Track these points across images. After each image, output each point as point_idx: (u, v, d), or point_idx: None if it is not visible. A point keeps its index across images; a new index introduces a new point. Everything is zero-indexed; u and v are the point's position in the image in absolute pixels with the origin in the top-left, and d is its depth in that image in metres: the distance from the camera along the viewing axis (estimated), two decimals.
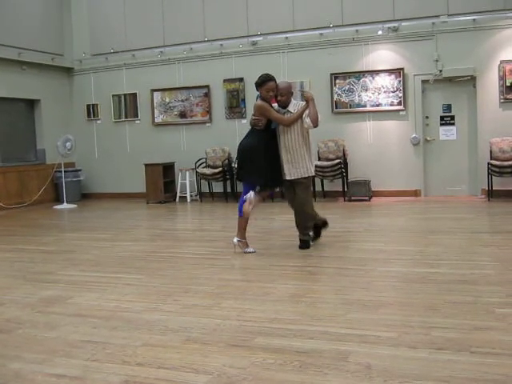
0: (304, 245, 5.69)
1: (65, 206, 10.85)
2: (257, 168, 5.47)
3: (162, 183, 10.86)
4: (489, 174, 9.07)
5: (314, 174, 5.66)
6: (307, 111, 5.46)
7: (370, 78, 10.05)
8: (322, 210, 9.15)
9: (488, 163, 9.11)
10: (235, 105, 10.97)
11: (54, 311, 3.94)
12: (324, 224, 5.86)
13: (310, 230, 5.74)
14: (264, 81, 5.55)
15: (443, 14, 9.52)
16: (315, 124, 5.44)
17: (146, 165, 10.97)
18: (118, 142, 11.98)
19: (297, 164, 5.52)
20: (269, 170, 5.51)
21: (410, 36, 9.80)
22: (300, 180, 5.54)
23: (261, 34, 10.57)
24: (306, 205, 5.62)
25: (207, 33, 10.94)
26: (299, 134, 5.49)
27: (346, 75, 10.18)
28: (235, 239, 5.71)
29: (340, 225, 7.34)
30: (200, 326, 3.47)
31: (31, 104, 11.65)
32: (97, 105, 12.10)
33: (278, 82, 5.61)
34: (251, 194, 5.41)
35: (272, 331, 3.32)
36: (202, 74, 11.14)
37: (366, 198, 9.81)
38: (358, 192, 9.85)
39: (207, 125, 11.25)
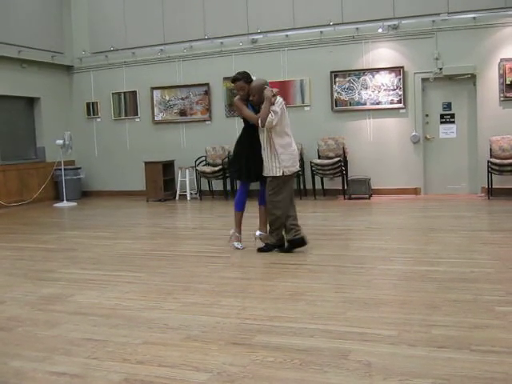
0: (262, 248, 5.59)
1: (65, 204, 10.85)
2: (238, 162, 5.66)
3: (162, 181, 10.86)
4: (489, 172, 9.07)
5: (278, 174, 5.39)
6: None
7: (370, 76, 10.04)
8: (322, 208, 9.21)
9: (488, 161, 9.11)
10: None
11: (55, 309, 3.94)
12: (292, 244, 5.53)
13: (276, 233, 5.55)
14: (232, 81, 5.63)
15: (443, 12, 9.50)
16: (262, 123, 5.30)
17: (146, 163, 10.97)
18: (117, 139, 11.98)
19: (265, 162, 5.48)
20: (249, 164, 5.56)
21: (410, 34, 9.79)
22: (268, 179, 5.48)
23: (261, 32, 10.56)
24: (272, 206, 5.47)
25: (207, 31, 10.93)
26: (265, 132, 5.41)
27: (346, 73, 10.18)
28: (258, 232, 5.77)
29: (340, 223, 7.35)
30: (200, 323, 3.47)
31: (31, 102, 11.64)
32: (97, 103, 12.10)
33: (254, 79, 5.58)
34: None
35: (272, 329, 3.32)
36: (201, 72, 11.13)
37: (366, 196, 9.82)
38: (357, 190, 9.86)
39: (207, 123, 11.24)
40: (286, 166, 5.41)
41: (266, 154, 5.46)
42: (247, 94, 5.49)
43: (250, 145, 5.56)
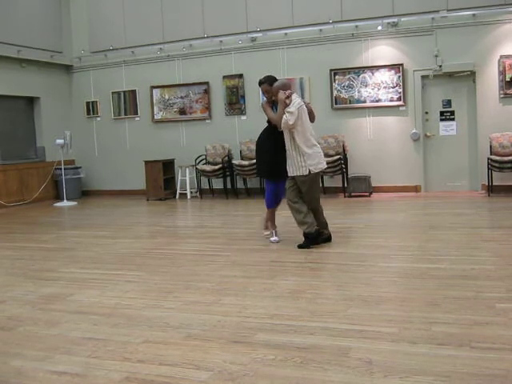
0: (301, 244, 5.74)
1: (65, 203, 10.85)
2: (262, 161, 5.96)
3: (162, 180, 10.86)
4: (489, 169, 9.07)
5: (305, 173, 5.54)
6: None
7: (370, 74, 10.03)
8: (322, 205, 9.17)
9: (488, 158, 9.10)
10: (235, 101, 10.96)
11: (55, 308, 3.94)
12: (320, 235, 5.76)
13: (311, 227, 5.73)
14: (259, 84, 5.99)
15: (443, 9, 9.49)
16: (278, 126, 5.57)
17: (146, 162, 10.97)
18: (117, 139, 11.98)
19: (290, 162, 5.64)
20: (272, 162, 5.80)
21: (409, 31, 9.78)
22: (300, 178, 5.61)
23: (260, 31, 10.55)
24: (312, 201, 5.68)
25: (206, 29, 10.92)
26: (288, 133, 5.59)
27: (345, 71, 10.17)
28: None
29: (340, 221, 7.34)
30: (201, 322, 3.47)
31: (31, 101, 11.64)
32: (96, 102, 12.09)
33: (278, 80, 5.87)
34: None
35: (273, 327, 3.33)
36: (201, 71, 11.13)
37: (366, 193, 9.82)
38: (358, 188, 9.86)
39: (207, 121, 11.24)
40: (312, 164, 5.56)
41: (290, 154, 5.61)
42: (271, 96, 5.76)
43: (270, 143, 5.80)
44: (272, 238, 6.00)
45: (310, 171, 5.56)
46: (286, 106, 5.51)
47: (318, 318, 3.46)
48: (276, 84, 5.70)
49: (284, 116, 5.47)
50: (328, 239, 5.79)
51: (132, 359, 2.93)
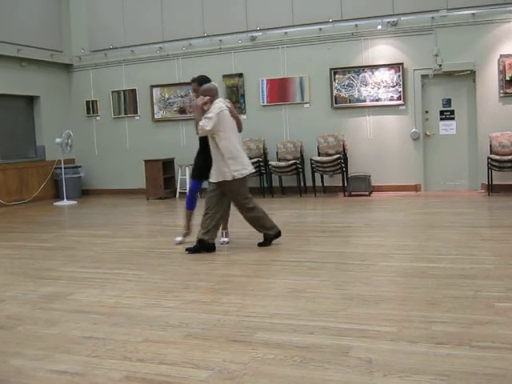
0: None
1: (65, 202, 10.85)
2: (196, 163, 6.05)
3: (162, 179, 10.85)
4: (489, 168, 9.07)
5: (229, 178, 5.44)
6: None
7: (370, 73, 10.03)
8: (322, 205, 9.20)
9: (488, 158, 9.11)
10: (235, 100, 10.93)
11: (55, 307, 3.94)
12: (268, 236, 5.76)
13: (268, 228, 5.74)
14: (191, 81, 6.05)
15: (442, 9, 9.49)
16: (196, 131, 5.64)
17: (146, 161, 10.97)
18: (117, 138, 11.97)
19: (214, 167, 5.56)
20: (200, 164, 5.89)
21: (409, 31, 9.78)
22: (224, 184, 5.51)
23: (260, 30, 10.54)
24: (240, 205, 5.61)
25: (206, 28, 10.91)
26: (211, 139, 5.55)
27: (345, 70, 10.17)
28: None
29: (340, 220, 7.35)
30: (200, 321, 3.48)
31: (30, 100, 11.63)
32: (96, 101, 12.09)
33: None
34: None
35: (272, 326, 3.33)
36: (201, 70, 11.06)
37: (366, 192, 9.82)
38: (358, 187, 9.86)
39: None
40: (236, 169, 5.47)
41: (214, 159, 5.54)
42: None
43: (200, 145, 5.95)
44: (177, 238, 6.11)
45: (233, 177, 5.46)
46: (203, 111, 5.44)
47: (317, 317, 3.46)
48: (201, 88, 5.61)
49: (200, 122, 5.41)
50: (278, 235, 5.75)
51: (132, 358, 2.93)
